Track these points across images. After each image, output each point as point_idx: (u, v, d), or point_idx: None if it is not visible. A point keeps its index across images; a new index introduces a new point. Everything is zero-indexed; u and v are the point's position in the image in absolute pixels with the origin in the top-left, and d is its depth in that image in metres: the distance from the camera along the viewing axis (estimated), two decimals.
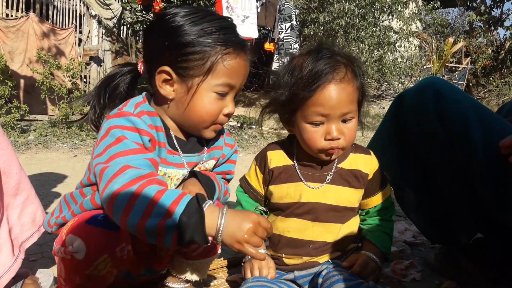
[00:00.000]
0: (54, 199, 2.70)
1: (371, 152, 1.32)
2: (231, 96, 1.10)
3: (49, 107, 7.33)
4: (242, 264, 1.32)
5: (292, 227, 1.26)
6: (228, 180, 1.32)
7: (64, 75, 6.18)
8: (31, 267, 1.55)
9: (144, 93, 1.14)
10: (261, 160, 1.32)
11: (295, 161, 1.28)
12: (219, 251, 1.33)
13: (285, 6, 7.02)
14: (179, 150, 1.11)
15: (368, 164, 1.29)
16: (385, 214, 1.34)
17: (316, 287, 1.20)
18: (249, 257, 1.27)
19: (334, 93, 1.12)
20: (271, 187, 1.29)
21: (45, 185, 3.10)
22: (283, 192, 1.27)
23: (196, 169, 1.18)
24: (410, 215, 1.65)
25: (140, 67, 1.14)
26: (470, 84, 12.30)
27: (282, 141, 1.34)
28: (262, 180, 1.31)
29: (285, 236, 1.27)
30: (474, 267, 1.49)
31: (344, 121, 1.16)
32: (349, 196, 1.26)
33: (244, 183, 1.36)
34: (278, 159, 1.29)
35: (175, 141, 1.11)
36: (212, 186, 1.17)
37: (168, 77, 1.05)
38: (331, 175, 1.25)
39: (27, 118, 6.40)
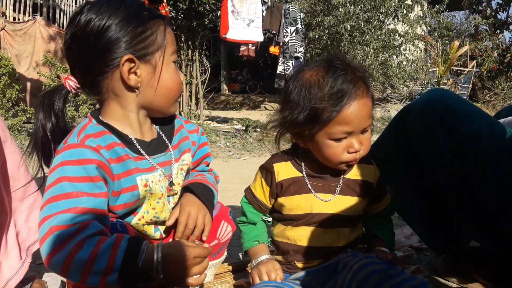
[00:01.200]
0: None
1: (372, 161, 1.34)
2: (176, 63, 1.14)
3: None
4: (247, 269, 1.32)
5: (303, 236, 1.26)
6: (209, 163, 1.32)
7: None
8: (38, 270, 1.55)
9: (89, 113, 1.10)
10: (267, 172, 1.31)
11: (304, 173, 1.27)
12: (225, 253, 1.33)
13: (291, 10, 7.03)
14: (144, 153, 1.08)
15: (372, 174, 1.32)
16: (387, 215, 1.40)
17: (332, 271, 1.20)
18: (255, 263, 1.28)
19: (359, 110, 1.14)
20: (281, 200, 1.28)
21: None
22: (293, 204, 1.27)
23: (176, 168, 1.15)
24: (413, 225, 1.65)
25: (68, 84, 1.06)
26: (476, 87, 12.25)
27: (287, 151, 1.33)
28: (269, 193, 1.31)
29: (297, 245, 1.27)
30: (479, 274, 1.49)
31: (362, 132, 1.18)
32: (358, 206, 1.29)
33: (249, 194, 1.36)
34: (285, 171, 1.29)
35: (137, 145, 1.08)
36: (210, 193, 1.17)
37: (132, 64, 1.02)
38: (340, 186, 1.27)
39: (33, 121, 6.44)
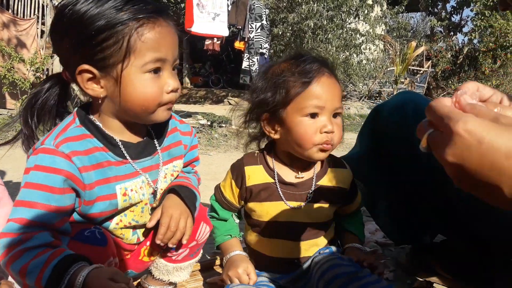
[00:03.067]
0: None
1: (346, 165, 1.33)
2: (168, 70, 0.98)
3: (8, 101, 7.03)
4: (215, 268, 1.30)
5: (276, 248, 1.26)
6: (196, 166, 1.30)
7: (27, 69, 5.95)
8: (2, 270, 1.50)
9: (75, 109, 1.04)
10: (237, 175, 1.28)
11: (276, 180, 1.24)
12: (201, 252, 1.33)
13: (256, 5, 7.04)
14: (128, 157, 1.04)
15: (346, 178, 1.30)
16: (358, 212, 1.38)
17: (305, 271, 1.23)
18: (228, 258, 1.26)
19: (328, 86, 1.16)
20: (251, 204, 1.26)
21: (10, 185, 2.99)
22: (263, 211, 1.24)
23: (163, 172, 1.12)
24: (379, 219, 1.71)
25: (65, 74, 1.02)
26: (431, 87, 12.77)
27: (259, 154, 1.30)
28: (238, 194, 1.28)
29: (270, 256, 1.26)
30: (440, 267, 1.57)
31: (334, 116, 1.18)
32: (328, 212, 1.28)
33: (219, 194, 1.32)
34: (257, 176, 1.26)
35: (122, 148, 1.03)
36: (194, 197, 1.15)
37: (91, 75, 0.94)
38: (311, 193, 1.24)
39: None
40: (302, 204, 1.23)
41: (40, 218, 0.91)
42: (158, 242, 1.06)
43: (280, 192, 1.23)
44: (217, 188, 1.34)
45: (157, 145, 1.11)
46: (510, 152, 0.46)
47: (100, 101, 0.99)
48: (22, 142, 1.06)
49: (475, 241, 1.45)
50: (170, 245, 1.09)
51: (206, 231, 1.23)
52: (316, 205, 1.24)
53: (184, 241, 1.09)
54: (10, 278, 1.43)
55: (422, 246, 1.71)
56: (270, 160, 1.27)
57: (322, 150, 1.17)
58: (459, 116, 0.50)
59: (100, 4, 0.92)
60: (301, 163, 1.24)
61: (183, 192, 1.11)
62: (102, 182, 0.99)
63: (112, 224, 1.06)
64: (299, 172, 1.25)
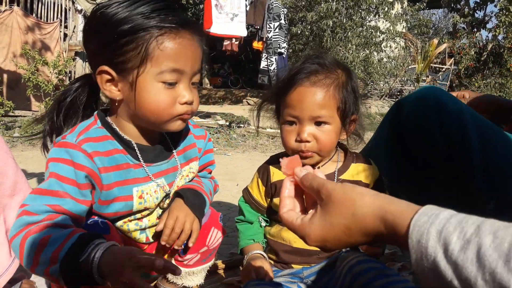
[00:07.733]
0: None
1: (371, 161, 1.34)
2: (185, 83, 0.99)
3: (33, 103, 7.21)
4: (240, 267, 1.33)
5: (298, 237, 1.27)
6: (211, 171, 1.31)
7: (50, 72, 6.08)
8: (24, 270, 1.53)
9: (96, 112, 1.06)
10: (263, 173, 1.33)
11: None
12: (215, 257, 1.34)
13: (274, 5, 7.03)
14: (142, 161, 1.05)
15: (368, 174, 1.31)
16: None
17: (328, 268, 1.23)
18: (246, 258, 1.28)
19: (303, 96, 1.17)
20: (276, 200, 1.29)
21: (33, 185, 3.05)
22: None
23: (179, 178, 1.13)
24: None
25: (94, 75, 1.03)
26: (453, 85, 12.51)
27: (283, 153, 1.35)
28: (264, 192, 1.33)
29: (292, 246, 1.27)
30: None
31: (318, 124, 1.18)
32: None
33: (247, 194, 1.37)
34: (280, 172, 1.28)
35: (137, 152, 1.04)
36: (200, 200, 1.15)
37: (109, 77, 0.97)
38: None
39: (11, 114, 6.28)
40: None
41: (70, 208, 0.92)
42: (163, 243, 1.07)
43: None
44: (245, 190, 1.40)
45: (172, 148, 1.13)
46: None
47: (117, 104, 1.01)
48: (44, 136, 1.09)
49: None
50: (176, 247, 1.10)
51: (218, 237, 1.23)
52: None
53: (190, 244, 1.10)
54: (32, 277, 1.46)
55: None
56: None
57: (302, 158, 1.20)
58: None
59: (129, 9, 0.94)
60: None
61: (187, 196, 1.11)
62: (120, 183, 1.01)
63: (119, 222, 1.07)
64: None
